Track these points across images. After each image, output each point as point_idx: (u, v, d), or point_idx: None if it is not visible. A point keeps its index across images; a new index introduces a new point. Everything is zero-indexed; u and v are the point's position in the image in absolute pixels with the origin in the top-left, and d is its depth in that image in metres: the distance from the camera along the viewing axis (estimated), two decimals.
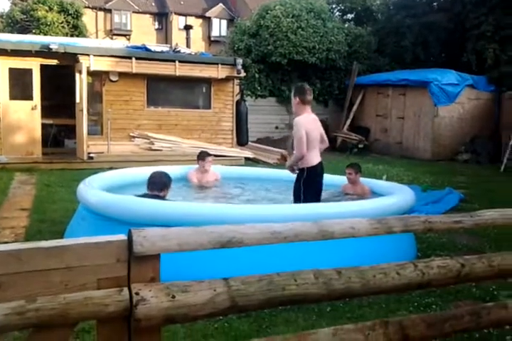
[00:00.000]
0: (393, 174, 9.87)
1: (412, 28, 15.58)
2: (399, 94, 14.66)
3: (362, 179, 5.57)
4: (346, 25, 17.77)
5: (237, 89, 12.20)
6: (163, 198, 4.22)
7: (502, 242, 5.04)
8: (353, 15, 19.58)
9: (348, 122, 15.69)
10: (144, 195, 4.13)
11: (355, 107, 15.81)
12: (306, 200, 4.34)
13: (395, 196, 4.55)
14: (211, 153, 6.32)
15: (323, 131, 4.71)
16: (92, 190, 4.29)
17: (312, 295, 1.77)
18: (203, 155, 5.95)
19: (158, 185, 4.18)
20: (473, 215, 2.27)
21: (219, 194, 5.84)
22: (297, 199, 4.46)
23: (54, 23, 19.88)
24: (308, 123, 4.50)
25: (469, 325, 2.20)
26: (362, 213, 3.56)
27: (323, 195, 4.77)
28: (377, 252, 3.56)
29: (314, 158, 4.52)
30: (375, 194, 5.24)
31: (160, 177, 4.26)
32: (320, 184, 4.59)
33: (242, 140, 11.91)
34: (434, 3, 16.87)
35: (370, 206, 4.15)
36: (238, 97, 12.18)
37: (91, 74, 10.28)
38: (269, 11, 15.65)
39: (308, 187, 4.43)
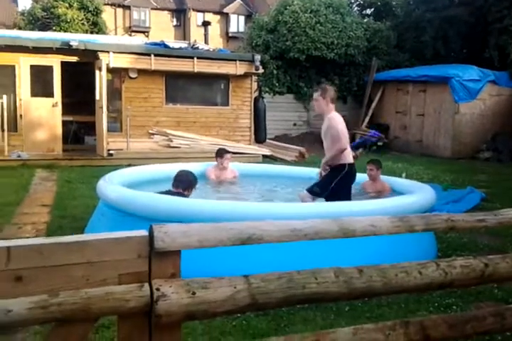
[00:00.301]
0: (413, 172, 9.75)
1: (432, 23, 15.32)
2: (419, 91, 14.45)
3: (382, 177, 5.51)
4: (365, 20, 17.56)
5: (255, 85, 12.17)
6: (186, 197, 4.23)
7: None
8: (372, 10, 19.35)
9: (367, 119, 15.54)
10: (168, 192, 4.15)
11: (374, 104, 15.65)
12: (340, 198, 4.14)
13: (416, 194, 4.49)
14: (229, 150, 6.33)
15: None
16: (112, 186, 4.33)
17: (332, 293, 1.75)
18: (221, 153, 5.96)
19: (183, 184, 4.21)
20: (497, 214, 2.22)
21: (237, 191, 5.84)
22: (323, 190, 4.22)
23: (74, 20, 20.12)
24: (342, 121, 4.41)
25: (492, 326, 2.15)
26: (382, 211, 3.51)
27: None
28: (397, 251, 3.51)
29: (351, 155, 4.42)
30: (395, 192, 5.18)
31: (186, 175, 4.28)
32: (353, 183, 4.49)
33: (260, 137, 11.89)
34: None
35: (391, 204, 4.10)
36: (256, 94, 12.16)
37: (110, 71, 10.37)
38: (287, 7, 15.58)
39: (345, 184, 4.27)
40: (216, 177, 5.91)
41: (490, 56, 14.30)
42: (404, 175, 8.06)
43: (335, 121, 4.32)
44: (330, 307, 3.25)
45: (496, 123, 13.66)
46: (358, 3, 19.61)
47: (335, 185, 4.21)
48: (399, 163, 11.09)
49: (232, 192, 5.77)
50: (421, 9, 16.05)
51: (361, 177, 5.50)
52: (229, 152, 6.07)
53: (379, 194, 5.20)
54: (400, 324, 1.99)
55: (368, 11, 19.57)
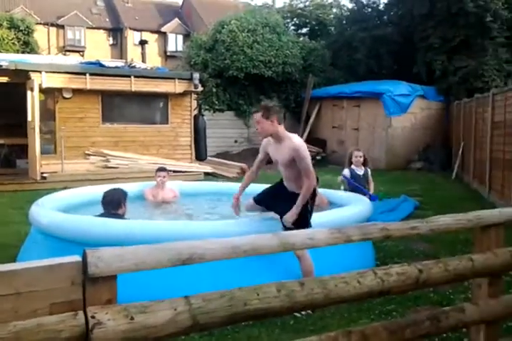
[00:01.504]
0: None
1: (364, 42, 16.06)
2: (353, 106, 15.02)
3: (320, 190, 5.61)
4: (301, 39, 18.18)
5: (194, 103, 12.17)
6: (122, 216, 4.11)
7: (456, 246, 5.20)
8: (307, 30, 20.07)
9: (306, 134, 15.91)
10: (102, 215, 4.01)
11: (311, 119, 16.08)
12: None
13: (353, 206, 4.62)
14: (170, 168, 6.21)
15: None
16: (44, 210, 4.13)
17: (275, 308, 1.76)
18: (156, 170, 5.84)
19: (112, 204, 4.08)
20: (428, 221, 2.33)
21: (176, 211, 5.72)
22: (305, 225, 3.58)
23: (4, 40, 19.34)
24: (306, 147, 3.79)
25: (429, 329, 2.23)
26: (320, 224, 3.58)
27: None
28: (337, 262, 3.58)
29: None
30: (333, 204, 5.30)
31: (112, 195, 4.15)
32: None
33: (201, 155, 11.86)
34: (384, 17, 17.50)
35: (329, 217, 4.18)
36: (196, 112, 12.15)
37: (43, 91, 10.00)
38: (224, 26, 15.82)
39: (312, 208, 3.74)
40: (154, 198, 5.70)
41: (418, 72, 15.14)
42: (343, 187, 8.27)
43: (304, 150, 3.63)
44: (274, 322, 3.25)
45: (427, 135, 14.42)
46: (293, 22, 20.27)
47: (310, 213, 3.71)
48: (338, 176, 11.35)
49: (169, 212, 5.64)
50: (353, 29, 16.83)
51: None
52: (164, 170, 5.84)
53: (317, 207, 5.28)
54: (342, 334, 2.02)
55: (304, 30, 20.27)
